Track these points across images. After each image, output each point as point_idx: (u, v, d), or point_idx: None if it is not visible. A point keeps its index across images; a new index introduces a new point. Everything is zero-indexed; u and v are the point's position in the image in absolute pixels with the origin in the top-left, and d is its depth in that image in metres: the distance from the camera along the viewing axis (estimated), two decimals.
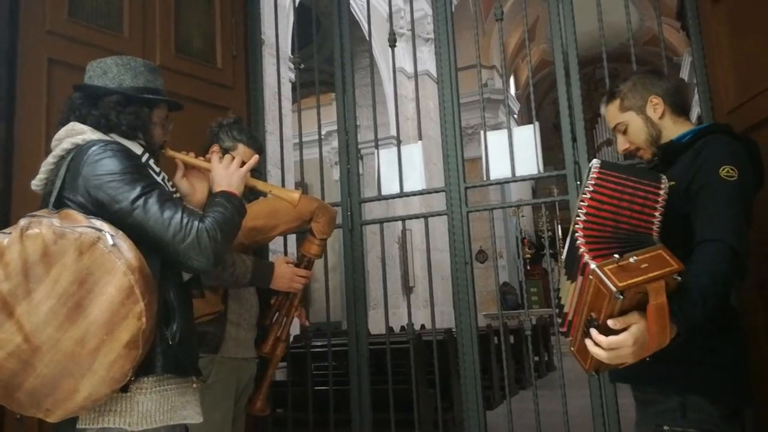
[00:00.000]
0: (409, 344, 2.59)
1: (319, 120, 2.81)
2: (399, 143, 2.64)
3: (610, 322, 1.08)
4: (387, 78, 9.72)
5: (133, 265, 1.18)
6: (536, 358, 7.68)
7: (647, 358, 1.13)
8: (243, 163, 1.53)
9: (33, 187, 1.39)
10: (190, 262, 1.28)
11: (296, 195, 1.59)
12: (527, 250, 14.56)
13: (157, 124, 1.48)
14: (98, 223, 1.21)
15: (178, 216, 1.26)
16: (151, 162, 1.41)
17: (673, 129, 1.48)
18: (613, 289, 1.04)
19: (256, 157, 1.66)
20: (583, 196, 1.25)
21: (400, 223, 2.90)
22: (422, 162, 2.63)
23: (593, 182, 1.25)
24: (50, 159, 1.35)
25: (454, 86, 2.54)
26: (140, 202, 1.25)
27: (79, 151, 1.31)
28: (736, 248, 1.21)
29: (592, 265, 1.10)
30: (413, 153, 2.64)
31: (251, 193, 2.03)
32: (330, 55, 2.85)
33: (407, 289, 4.03)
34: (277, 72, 3.02)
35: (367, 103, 8.00)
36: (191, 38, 2.62)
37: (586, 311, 1.13)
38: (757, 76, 1.94)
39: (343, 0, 2.83)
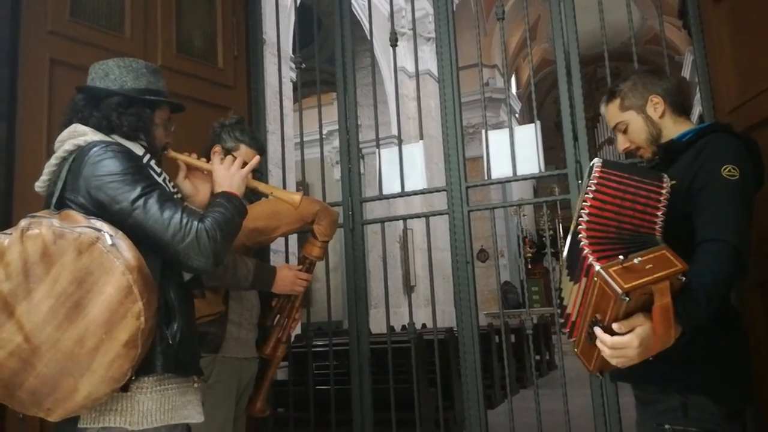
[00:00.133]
0: (410, 343, 2.59)
1: (320, 119, 2.81)
2: (400, 142, 2.65)
3: (615, 326, 1.08)
4: (388, 77, 9.72)
5: (131, 265, 1.18)
6: (537, 357, 7.68)
7: (650, 358, 1.13)
8: (244, 164, 1.53)
9: (36, 189, 1.40)
10: (190, 262, 1.28)
11: (297, 197, 1.59)
12: (528, 249, 14.55)
13: (159, 125, 1.49)
14: (98, 223, 1.22)
15: (178, 216, 1.26)
16: (152, 163, 1.42)
17: (674, 128, 1.48)
18: (619, 290, 1.04)
19: (257, 158, 1.67)
20: (586, 195, 1.25)
21: (401, 222, 2.90)
22: (423, 161, 2.63)
23: (596, 181, 1.25)
24: (53, 160, 1.36)
25: (456, 85, 2.54)
26: (140, 202, 1.26)
27: (80, 153, 1.32)
28: (738, 247, 1.21)
29: (597, 267, 1.09)
30: (414, 152, 2.64)
31: (253, 195, 2.04)
32: (331, 54, 2.85)
33: (408, 289, 4.04)
34: (279, 72, 3.02)
35: (368, 103, 7.99)
36: (193, 38, 2.62)
37: (590, 313, 1.12)
38: (759, 76, 1.94)
39: None
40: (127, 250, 1.19)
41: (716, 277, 1.18)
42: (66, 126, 1.39)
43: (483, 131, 2.51)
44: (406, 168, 2.61)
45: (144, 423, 1.24)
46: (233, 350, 1.89)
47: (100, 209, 1.27)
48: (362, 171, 3.16)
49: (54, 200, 1.32)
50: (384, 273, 2.68)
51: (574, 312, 1.21)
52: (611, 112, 1.55)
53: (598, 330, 1.11)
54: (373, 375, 2.58)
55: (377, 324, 6.19)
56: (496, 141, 2.48)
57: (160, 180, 1.38)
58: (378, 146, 2.70)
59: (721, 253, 1.21)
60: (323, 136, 2.83)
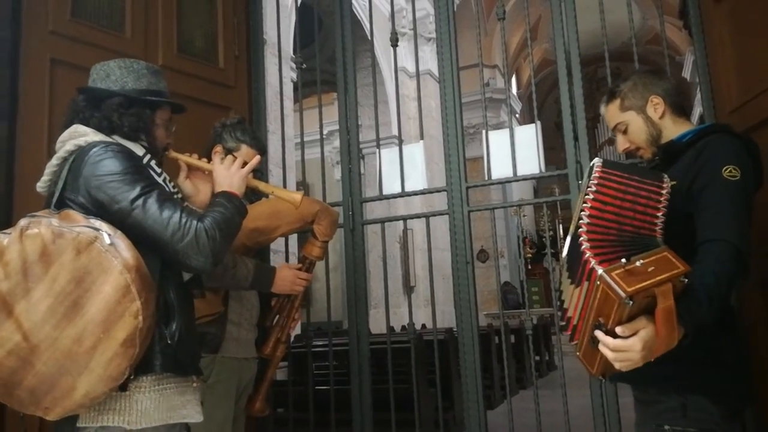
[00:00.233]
0: (410, 344, 2.59)
1: (320, 119, 2.81)
2: (400, 143, 2.65)
3: (618, 330, 1.07)
4: (389, 77, 9.72)
5: (129, 264, 1.18)
6: (537, 358, 7.68)
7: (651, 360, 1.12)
8: (244, 164, 1.53)
9: (38, 189, 1.40)
10: (189, 261, 1.28)
11: (298, 196, 1.59)
12: (528, 249, 14.55)
13: (160, 126, 1.49)
14: (97, 222, 1.23)
15: (177, 215, 1.27)
16: (153, 163, 1.42)
17: (674, 129, 1.48)
18: (623, 294, 1.03)
19: (257, 157, 1.67)
20: (586, 197, 1.24)
21: (401, 222, 2.90)
22: (424, 161, 2.63)
23: (596, 182, 1.25)
24: (54, 161, 1.37)
25: (456, 86, 2.54)
26: (139, 202, 1.26)
27: (80, 153, 1.32)
28: (739, 247, 1.21)
29: (600, 271, 1.08)
30: (415, 152, 2.64)
31: (254, 194, 2.04)
32: (332, 54, 2.85)
33: (408, 289, 4.04)
34: (279, 71, 3.02)
35: (369, 103, 8.00)
36: (193, 38, 2.62)
37: (592, 316, 1.12)
38: (760, 76, 1.94)
39: None
40: (125, 250, 1.20)
41: (718, 278, 1.18)
42: (67, 127, 1.40)
43: (483, 131, 2.51)
44: (406, 168, 2.61)
45: (142, 422, 1.24)
46: (233, 350, 1.89)
47: (99, 209, 1.27)
48: (362, 171, 3.16)
49: (54, 200, 1.32)
50: (384, 273, 2.67)
51: (575, 315, 1.21)
52: (611, 113, 1.55)
53: (600, 334, 1.10)
54: (373, 375, 2.58)
55: (377, 324, 6.19)
56: (497, 141, 2.48)
57: (160, 180, 1.39)
58: (378, 146, 2.70)
59: (723, 253, 1.21)
60: (324, 136, 2.83)
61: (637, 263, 1.08)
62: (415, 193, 2.62)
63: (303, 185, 2.10)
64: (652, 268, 1.07)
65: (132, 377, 1.23)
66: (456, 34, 2.62)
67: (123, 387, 1.22)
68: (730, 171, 1.29)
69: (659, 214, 1.23)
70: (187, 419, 1.33)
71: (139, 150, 1.41)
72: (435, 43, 2.68)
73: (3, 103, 1.98)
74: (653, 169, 1.44)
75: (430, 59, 10.25)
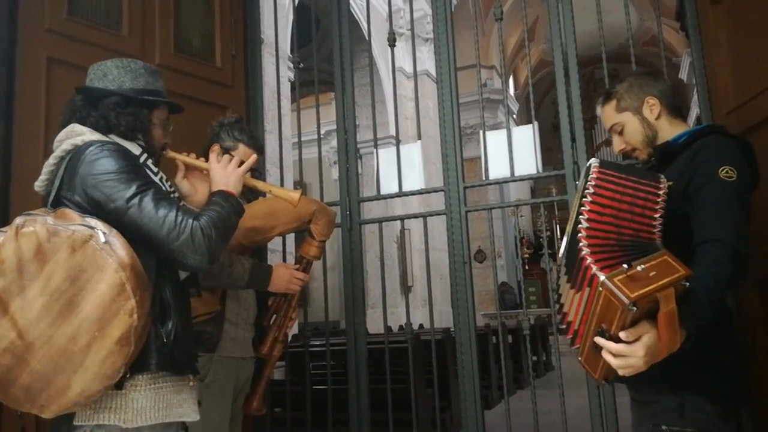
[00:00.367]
0: (407, 344, 2.59)
1: (318, 119, 2.81)
2: (398, 143, 2.65)
3: (622, 335, 1.07)
4: (386, 78, 9.72)
5: (124, 262, 1.18)
6: (534, 358, 7.69)
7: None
8: (241, 163, 1.53)
9: (36, 188, 1.40)
10: (185, 260, 1.28)
11: (296, 195, 1.59)
12: (526, 249, 14.58)
13: (157, 125, 1.49)
14: (92, 221, 1.23)
15: (173, 214, 1.27)
16: (149, 162, 1.42)
17: (669, 130, 1.49)
18: (626, 301, 1.03)
19: (254, 156, 1.67)
20: (584, 199, 1.24)
21: (398, 222, 2.91)
22: (421, 161, 2.63)
23: (594, 183, 1.24)
24: (51, 160, 1.37)
25: (454, 86, 2.54)
26: (135, 200, 1.26)
27: (77, 152, 1.33)
28: (738, 248, 1.21)
29: (602, 277, 1.08)
30: (412, 152, 2.64)
31: (251, 193, 2.04)
32: (329, 54, 2.85)
33: (406, 289, 4.04)
34: (277, 71, 3.02)
35: (367, 103, 8.00)
36: (190, 37, 2.62)
37: (595, 322, 1.11)
38: (757, 77, 1.95)
39: None
40: (120, 248, 1.20)
41: (717, 279, 1.19)
42: (64, 126, 1.40)
43: (481, 132, 2.51)
44: (403, 168, 2.61)
45: (138, 421, 1.24)
46: (230, 350, 1.89)
47: (95, 208, 1.27)
48: (360, 171, 3.16)
49: (50, 199, 1.32)
50: (381, 273, 2.68)
51: (576, 320, 1.20)
52: (607, 114, 1.55)
53: (602, 340, 1.10)
54: (370, 375, 2.58)
55: (374, 324, 6.19)
56: (494, 141, 2.48)
57: (156, 179, 1.39)
58: (376, 146, 2.69)
59: (721, 254, 1.21)
60: (321, 136, 2.83)
61: (639, 268, 1.07)
62: (413, 193, 2.62)
63: (300, 185, 2.09)
64: (654, 272, 1.07)
65: (128, 376, 1.23)
66: (453, 34, 2.63)
67: (119, 385, 1.22)
68: (727, 172, 1.29)
69: (657, 215, 1.23)
70: (184, 418, 1.33)
71: (135, 149, 1.41)
72: (432, 43, 2.69)
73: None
74: (649, 170, 1.44)
75: (427, 59, 10.26)
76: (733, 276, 1.22)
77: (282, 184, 2.44)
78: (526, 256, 14.58)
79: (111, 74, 1.44)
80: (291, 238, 2.77)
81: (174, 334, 1.30)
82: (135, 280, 1.19)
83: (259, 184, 1.62)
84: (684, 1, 2.31)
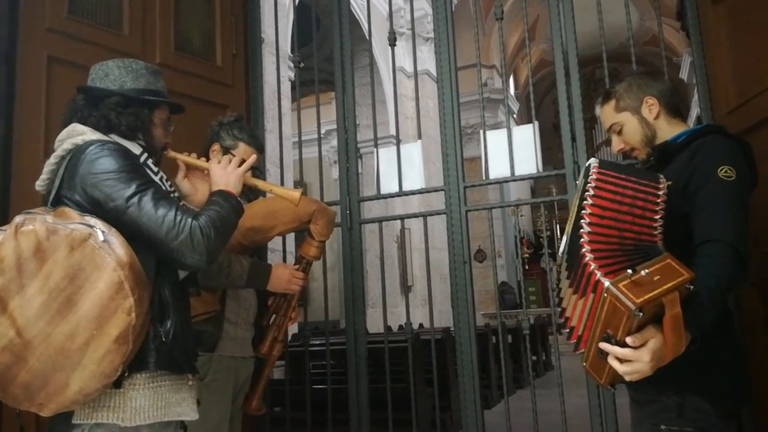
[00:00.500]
0: (407, 343, 2.59)
1: (318, 119, 2.81)
2: (398, 142, 2.65)
3: (628, 340, 1.07)
4: (387, 77, 9.72)
5: (123, 261, 1.19)
6: (534, 358, 7.69)
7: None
8: (242, 163, 1.53)
9: (37, 188, 1.40)
10: (184, 259, 1.28)
11: (297, 194, 1.59)
12: (526, 249, 14.58)
13: (158, 125, 1.50)
14: (91, 220, 1.23)
15: (172, 213, 1.27)
16: (149, 162, 1.43)
17: (668, 130, 1.49)
18: (632, 306, 1.03)
19: (254, 156, 1.67)
20: (584, 202, 1.24)
21: (398, 222, 2.91)
22: (421, 161, 2.63)
23: (594, 185, 1.24)
24: (52, 159, 1.37)
25: (454, 85, 2.54)
26: (135, 200, 1.26)
27: (77, 151, 1.33)
28: (738, 248, 1.21)
29: (606, 283, 1.08)
30: (412, 152, 2.64)
31: (252, 193, 2.04)
32: (330, 53, 2.85)
33: (406, 288, 4.04)
34: (277, 70, 3.02)
35: (367, 102, 8.00)
36: (191, 36, 2.62)
37: (600, 328, 1.11)
38: (757, 77, 1.95)
39: None
40: (119, 247, 1.20)
41: (718, 280, 1.18)
42: (65, 126, 1.40)
43: (481, 131, 2.51)
44: (404, 168, 2.61)
45: (136, 419, 1.24)
46: (230, 349, 1.89)
47: (95, 207, 1.28)
48: (360, 170, 3.16)
49: (51, 198, 1.33)
50: (381, 272, 2.68)
51: (580, 326, 1.20)
52: (606, 114, 1.55)
53: (608, 346, 1.09)
54: (370, 375, 2.58)
55: (374, 324, 6.18)
56: (494, 141, 2.48)
57: (156, 179, 1.39)
58: (376, 146, 2.69)
59: (721, 254, 1.21)
60: (321, 136, 2.83)
61: (643, 273, 1.07)
62: (413, 193, 2.62)
63: (300, 184, 2.09)
64: (658, 276, 1.07)
65: (126, 374, 1.23)
66: (454, 34, 2.62)
67: (117, 384, 1.22)
68: (726, 171, 1.29)
69: (657, 216, 1.22)
70: (183, 417, 1.33)
71: (136, 149, 1.42)
72: (433, 42, 2.69)
73: (0, 102, 1.98)
74: (648, 169, 1.44)
75: (428, 59, 10.26)
76: (734, 276, 1.21)
77: (282, 184, 2.44)
78: (526, 255, 14.58)
79: (112, 74, 1.44)
80: (291, 237, 2.77)
81: (173, 333, 1.30)
82: (133, 278, 1.19)
83: (259, 184, 1.62)
84: (685, 0, 2.31)
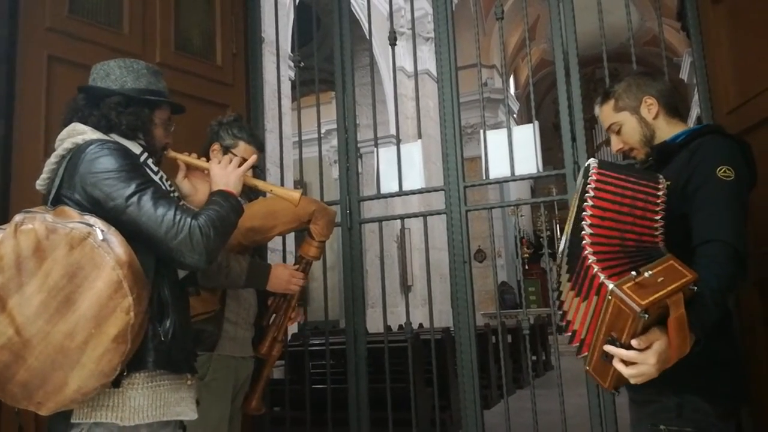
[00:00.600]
0: (407, 343, 2.59)
1: (318, 118, 2.81)
2: (398, 142, 2.65)
3: (634, 342, 1.06)
4: (387, 77, 9.72)
5: (122, 260, 1.19)
6: (534, 358, 7.70)
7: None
8: (242, 163, 1.53)
9: (37, 187, 1.41)
10: (183, 259, 1.29)
11: (297, 195, 1.59)
12: (526, 249, 14.59)
13: (159, 125, 1.50)
14: (91, 219, 1.23)
15: (171, 213, 1.27)
16: (150, 161, 1.43)
17: (667, 130, 1.49)
18: (638, 308, 1.02)
19: (254, 156, 1.67)
20: (585, 204, 1.24)
21: (398, 221, 2.91)
22: (421, 161, 2.63)
23: (594, 186, 1.24)
24: (52, 159, 1.38)
25: (454, 85, 2.54)
26: (134, 199, 1.26)
27: (77, 150, 1.33)
28: (737, 248, 1.21)
29: (611, 286, 1.07)
30: (413, 152, 2.64)
31: (252, 193, 2.03)
32: (330, 53, 2.85)
33: (405, 288, 4.04)
34: (277, 70, 3.02)
35: (367, 102, 8.00)
36: (191, 36, 2.62)
37: (604, 331, 1.10)
38: (757, 77, 1.95)
39: None
40: (118, 246, 1.20)
41: (720, 280, 1.18)
42: (66, 125, 1.40)
43: (481, 131, 2.51)
44: (404, 167, 2.61)
45: (135, 419, 1.24)
46: (229, 349, 1.89)
47: (95, 206, 1.28)
48: (360, 170, 3.16)
49: (51, 197, 1.33)
50: (381, 272, 2.67)
51: (583, 329, 1.19)
52: (605, 113, 1.55)
53: (613, 348, 1.09)
54: (370, 374, 2.58)
55: (374, 323, 6.18)
56: (495, 141, 2.48)
57: (156, 179, 1.39)
58: (376, 145, 2.69)
59: (721, 254, 1.21)
60: (321, 135, 2.83)
61: (646, 274, 1.06)
62: (413, 192, 2.62)
63: (301, 184, 2.09)
64: (662, 278, 1.06)
65: (125, 374, 1.23)
66: (454, 33, 2.62)
67: (116, 383, 1.22)
68: (725, 171, 1.29)
69: (657, 217, 1.22)
70: (182, 416, 1.33)
71: (136, 148, 1.42)
72: (433, 42, 2.68)
73: (0, 101, 1.98)
74: (647, 169, 1.44)
75: (428, 59, 10.26)
76: (734, 276, 1.21)
77: (282, 183, 2.44)
78: (526, 255, 14.59)
79: (113, 74, 1.44)
80: (291, 237, 2.77)
81: (172, 333, 1.30)
82: (132, 277, 1.19)
83: (259, 184, 1.62)
84: (685, 0, 2.31)
